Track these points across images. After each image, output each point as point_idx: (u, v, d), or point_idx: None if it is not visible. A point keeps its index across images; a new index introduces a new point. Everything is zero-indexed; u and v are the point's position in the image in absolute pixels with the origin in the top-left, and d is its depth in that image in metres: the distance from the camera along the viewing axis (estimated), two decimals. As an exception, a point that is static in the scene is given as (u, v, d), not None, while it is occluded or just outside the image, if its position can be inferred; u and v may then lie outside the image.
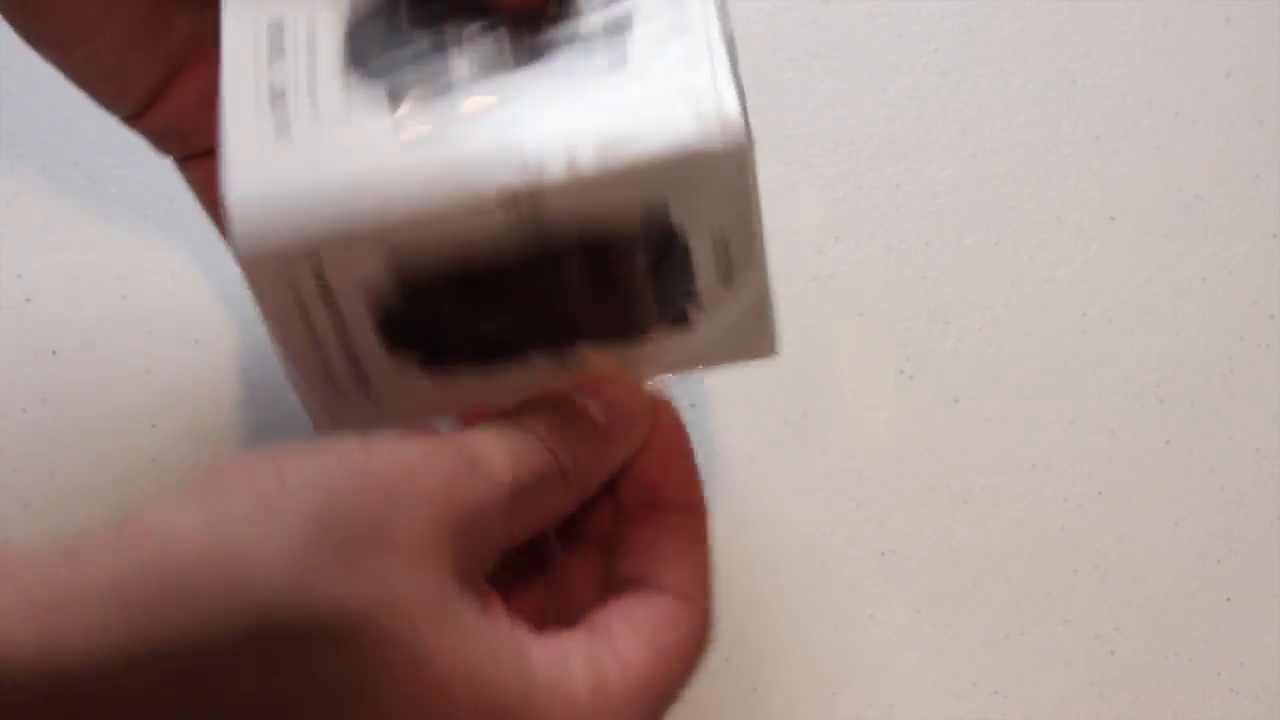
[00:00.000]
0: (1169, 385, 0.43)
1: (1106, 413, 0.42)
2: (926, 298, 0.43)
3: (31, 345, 0.40)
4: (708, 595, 0.28)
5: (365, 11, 0.29)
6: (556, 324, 0.28)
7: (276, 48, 0.29)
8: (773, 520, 0.41)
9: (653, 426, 0.30)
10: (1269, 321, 0.43)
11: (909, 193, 0.44)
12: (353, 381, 0.29)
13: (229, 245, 0.27)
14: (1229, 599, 0.41)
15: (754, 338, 0.30)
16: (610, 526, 0.30)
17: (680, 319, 0.29)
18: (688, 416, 0.31)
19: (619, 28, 0.28)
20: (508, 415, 0.28)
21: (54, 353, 0.40)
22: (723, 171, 0.26)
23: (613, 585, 0.29)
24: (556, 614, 0.30)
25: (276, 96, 0.28)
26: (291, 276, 0.27)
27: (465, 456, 0.25)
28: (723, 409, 0.41)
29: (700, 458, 0.30)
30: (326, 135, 0.27)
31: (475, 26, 0.28)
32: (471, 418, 0.30)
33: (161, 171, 0.34)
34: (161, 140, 0.34)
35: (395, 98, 0.27)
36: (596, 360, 0.29)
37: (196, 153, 0.34)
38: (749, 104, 0.26)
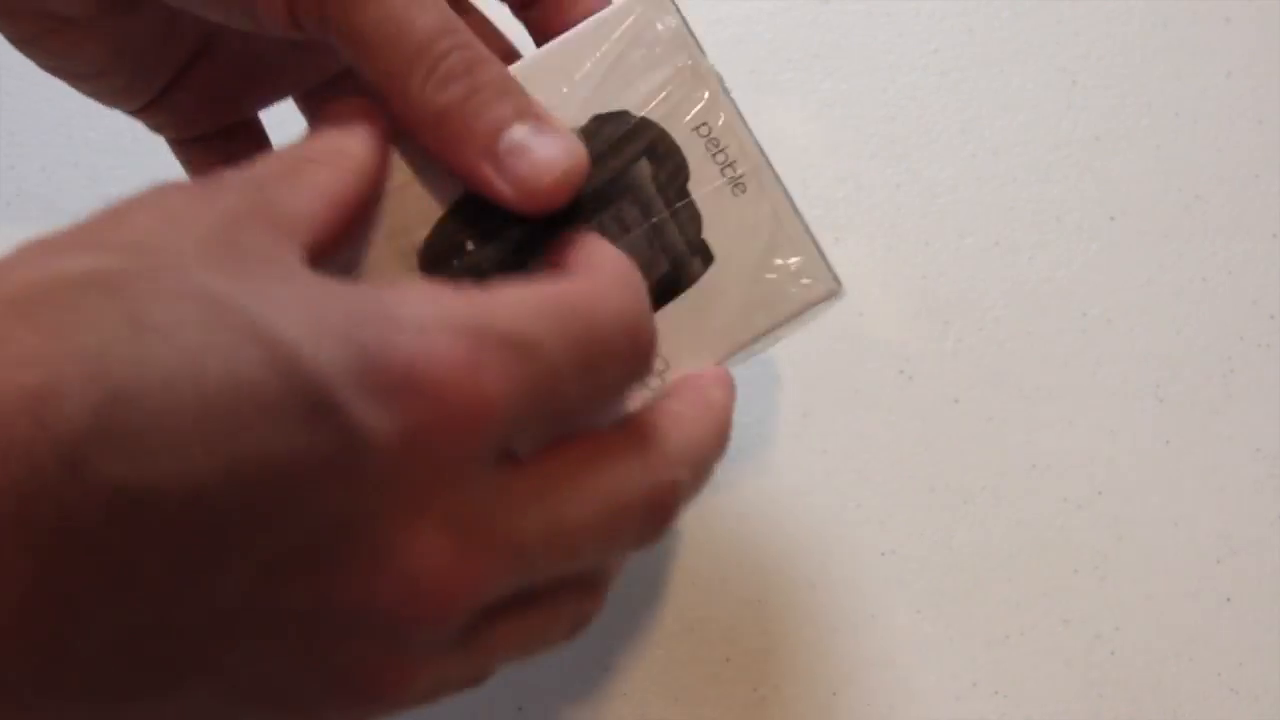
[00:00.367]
0: (1169, 385, 0.43)
1: (1106, 413, 0.42)
2: (926, 298, 0.43)
3: (32, 345, 0.40)
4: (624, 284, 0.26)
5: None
6: None
7: None
8: (773, 520, 0.41)
9: None
10: (1269, 321, 0.43)
11: (909, 193, 0.44)
12: None
13: None
14: (1229, 599, 0.41)
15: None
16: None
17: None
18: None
19: None
20: None
21: (54, 353, 0.40)
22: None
23: None
24: None
25: None
26: None
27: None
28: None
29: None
30: None
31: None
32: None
33: (161, 172, 0.34)
34: (159, 127, 0.34)
35: None
36: None
37: (192, 137, 0.34)
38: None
